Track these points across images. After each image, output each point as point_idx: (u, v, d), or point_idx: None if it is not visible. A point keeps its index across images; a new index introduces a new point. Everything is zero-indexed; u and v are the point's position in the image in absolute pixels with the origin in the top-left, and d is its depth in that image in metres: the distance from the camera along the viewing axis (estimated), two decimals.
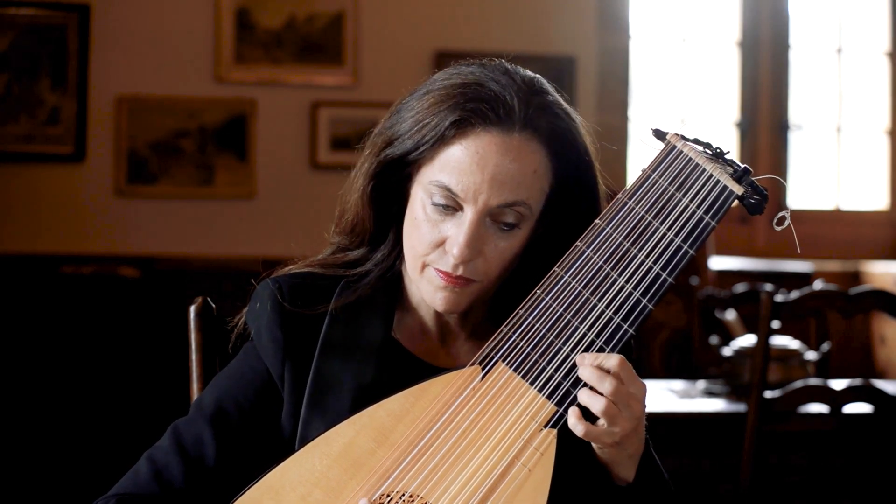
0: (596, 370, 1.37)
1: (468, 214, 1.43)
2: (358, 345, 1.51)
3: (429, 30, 4.90)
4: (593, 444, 1.41)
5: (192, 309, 1.73)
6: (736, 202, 1.39)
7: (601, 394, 1.37)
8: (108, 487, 1.54)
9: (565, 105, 1.49)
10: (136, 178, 4.72)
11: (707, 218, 1.39)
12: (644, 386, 1.40)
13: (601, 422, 1.37)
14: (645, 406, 1.40)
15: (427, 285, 1.48)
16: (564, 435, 1.40)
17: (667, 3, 5.54)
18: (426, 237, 1.46)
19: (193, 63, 4.77)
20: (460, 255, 1.43)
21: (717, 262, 5.10)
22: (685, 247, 1.39)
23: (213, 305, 1.73)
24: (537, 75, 1.50)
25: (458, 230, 1.44)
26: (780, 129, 5.55)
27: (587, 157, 1.50)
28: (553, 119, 1.46)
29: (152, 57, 4.74)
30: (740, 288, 4.00)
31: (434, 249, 1.46)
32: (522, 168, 1.44)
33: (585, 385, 1.39)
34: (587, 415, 1.38)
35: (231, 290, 1.69)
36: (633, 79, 5.26)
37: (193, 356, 1.72)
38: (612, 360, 1.38)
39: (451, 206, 1.44)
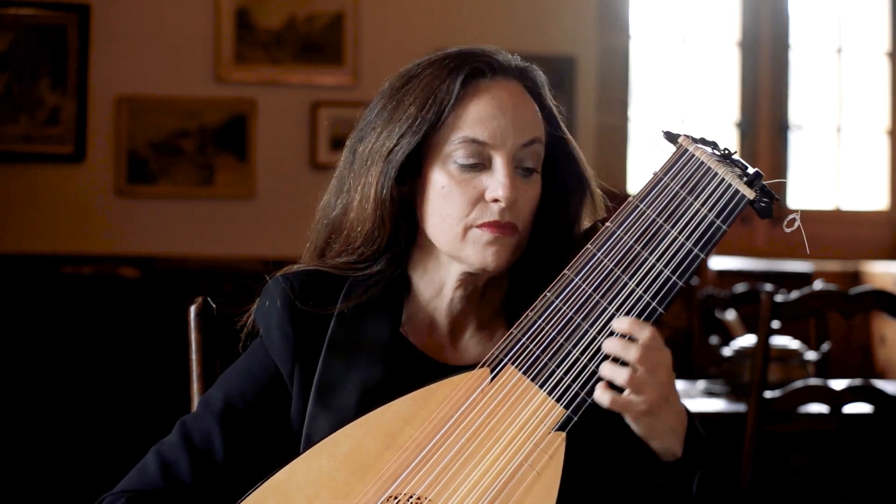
0: (621, 340, 1.38)
1: (500, 159, 1.46)
2: (365, 341, 1.51)
3: (429, 30, 4.90)
4: (628, 420, 1.40)
5: (192, 309, 1.72)
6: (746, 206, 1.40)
7: (625, 364, 1.37)
8: (109, 487, 1.53)
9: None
10: (136, 178, 4.72)
11: (718, 222, 1.39)
12: (670, 354, 1.40)
13: (627, 392, 1.37)
14: (673, 375, 1.40)
15: (473, 247, 1.47)
16: (573, 438, 1.40)
17: (667, 3, 5.54)
18: (462, 199, 1.47)
19: (193, 63, 4.77)
20: (507, 196, 1.45)
21: (717, 262, 5.10)
22: (696, 250, 1.39)
23: (213, 305, 1.73)
24: None
25: (494, 178, 1.46)
26: (780, 129, 5.55)
27: (558, 118, 1.54)
28: (534, 73, 1.53)
29: (152, 57, 4.73)
30: (740, 288, 4.00)
31: (473, 207, 1.47)
32: (531, 108, 1.50)
33: (605, 358, 1.38)
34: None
35: (231, 290, 1.69)
36: (633, 79, 5.26)
37: (193, 356, 1.72)
38: (646, 331, 1.38)
39: (479, 163, 1.47)
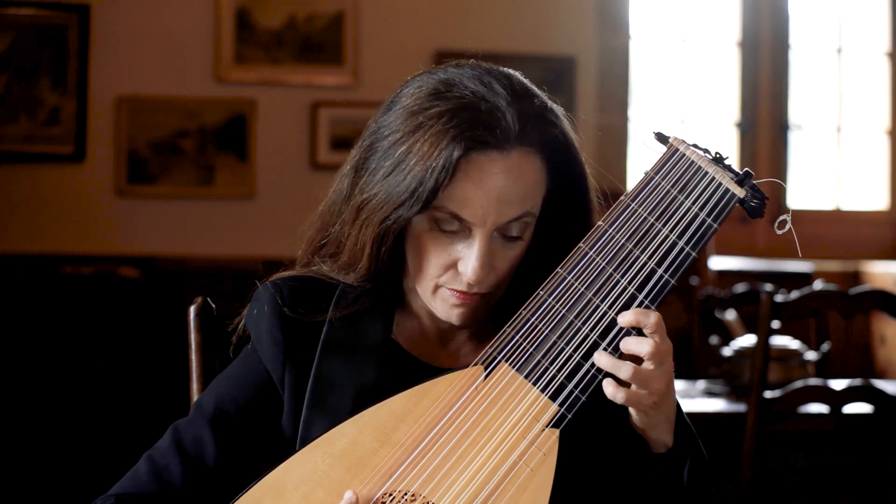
0: (635, 337, 1.38)
1: (478, 236, 1.44)
2: (358, 346, 1.51)
3: (429, 30, 4.90)
4: (631, 412, 1.41)
5: (192, 309, 1.72)
6: (737, 205, 1.40)
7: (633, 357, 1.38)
8: (108, 487, 1.54)
9: (549, 103, 1.49)
10: (136, 178, 4.72)
11: (709, 220, 1.40)
12: (671, 344, 1.40)
13: (635, 386, 1.38)
14: (671, 362, 1.40)
15: (441, 304, 1.48)
16: (567, 435, 1.40)
17: (667, 3, 5.54)
18: (436, 261, 1.46)
19: (193, 63, 4.77)
20: (475, 278, 1.44)
21: (717, 262, 5.10)
22: (687, 248, 1.40)
23: (213, 305, 1.73)
24: (512, 72, 1.49)
25: (469, 252, 1.44)
26: (780, 129, 5.55)
27: (576, 152, 1.50)
28: (545, 126, 1.46)
29: (152, 57, 4.74)
30: (740, 288, 4.00)
31: (446, 272, 1.46)
32: (525, 183, 1.44)
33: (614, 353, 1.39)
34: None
35: (231, 290, 1.68)
36: (633, 79, 5.26)
37: (193, 356, 1.72)
38: (652, 317, 1.38)
39: (458, 230, 1.44)
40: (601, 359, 1.38)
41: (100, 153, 4.69)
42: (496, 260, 1.46)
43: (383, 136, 1.47)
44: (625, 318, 1.39)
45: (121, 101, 4.70)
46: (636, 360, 1.39)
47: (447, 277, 1.46)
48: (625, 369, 1.37)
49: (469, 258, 1.44)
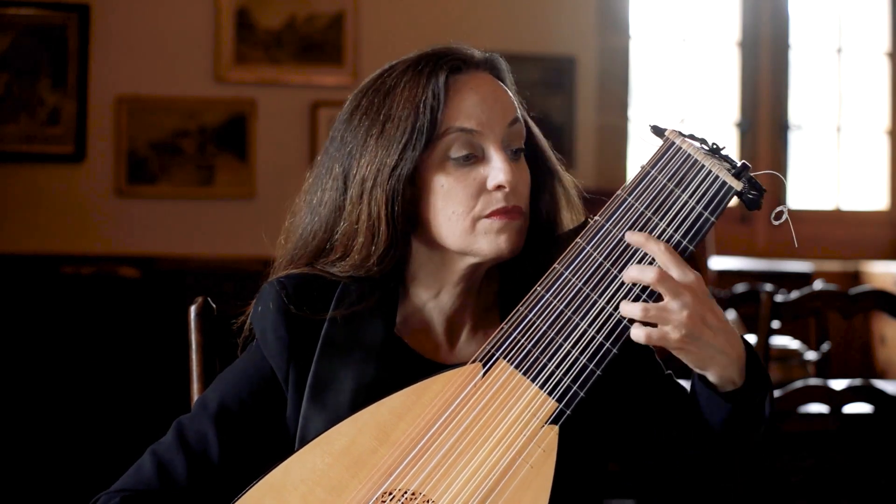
0: (638, 266, 1.38)
1: (492, 147, 1.47)
2: (359, 342, 1.51)
3: (428, 30, 4.90)
4: (678, 355, 1.39)
5: (192, 309, 1.72)
6: (734, 198, 1.40)
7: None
8: (108, 487, 1.54)
9: None
10: (136, 178, 4.72)
11: (706, 214, 1.40)
12: (698, 276, 1.37)
13: (651, 327, 1.37)
14: (706, 293, 1.37)
15: (484, 238, 1.47)
16: (566, 431, 1.40)
17: (667, 3, 5.54)
18: (465, 193, 1.47)
19: (193, 63, 4.77)
20: (509, 179, 1.45)
21: (717, 262, 5.10)
22: (685, 243, 1.40)
23: (213, 305, 1.73)
24: None
25: (491, 165, 1.47)
26: (780, 129, 5.55)
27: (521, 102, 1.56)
28: (499, 62, 1.55)
29: (152, 57, 4.74)
30: (740, 288, 4.00)
31: (478, 199, 1.47)
32: (506, 92, 1.52)
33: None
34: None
35: (231, 290, 1.68)
36: (633, 79, 5.26)
37: (193, 356, 1.71)
38: (659, 245, 1.38)
39: (473, 155, 1.47)
40: (623, 307, 1.37)
41: (100, 153, 4.69)
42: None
43: (354, 125, 1.52)
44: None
45: (121, 101, 4.70)
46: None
47: (482, 204, 1.47)
48: (636, 308, 1.36)
49: (494, 168, 1.46)
